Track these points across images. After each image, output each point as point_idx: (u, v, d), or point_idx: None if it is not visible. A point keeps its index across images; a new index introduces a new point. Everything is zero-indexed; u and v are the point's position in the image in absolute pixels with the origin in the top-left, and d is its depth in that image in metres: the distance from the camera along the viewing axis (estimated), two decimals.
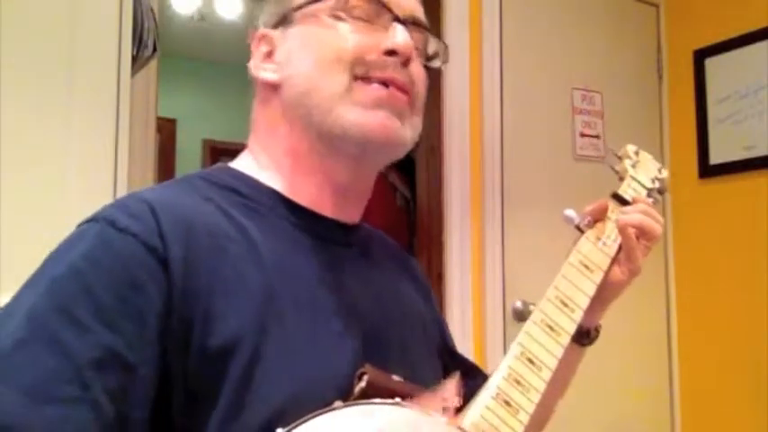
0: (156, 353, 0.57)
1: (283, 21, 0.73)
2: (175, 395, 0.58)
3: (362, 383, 0.60)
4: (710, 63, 2.41)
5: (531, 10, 2.28)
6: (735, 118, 2.33)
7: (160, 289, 0.58)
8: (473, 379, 0.87)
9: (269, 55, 0.74)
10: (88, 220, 0.62)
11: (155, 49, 1.48)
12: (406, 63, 0.71)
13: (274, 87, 0.72)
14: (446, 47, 0.78)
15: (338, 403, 0.58)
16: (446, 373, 0.82)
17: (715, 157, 2.39)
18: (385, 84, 0.69)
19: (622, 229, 0.82)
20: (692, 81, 2.46)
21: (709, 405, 2.35)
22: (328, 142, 0.70)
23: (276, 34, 0.74)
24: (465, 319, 2.06)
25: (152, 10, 1.49)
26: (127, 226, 0.59)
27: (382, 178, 2.58)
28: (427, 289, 0.89)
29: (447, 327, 0.91)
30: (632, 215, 0.83)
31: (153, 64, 1.62)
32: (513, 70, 2.21)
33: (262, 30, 0.75)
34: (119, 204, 0.63)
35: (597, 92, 2.38)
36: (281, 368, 0.60)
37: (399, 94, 0.70)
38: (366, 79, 0.69)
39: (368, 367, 0.61)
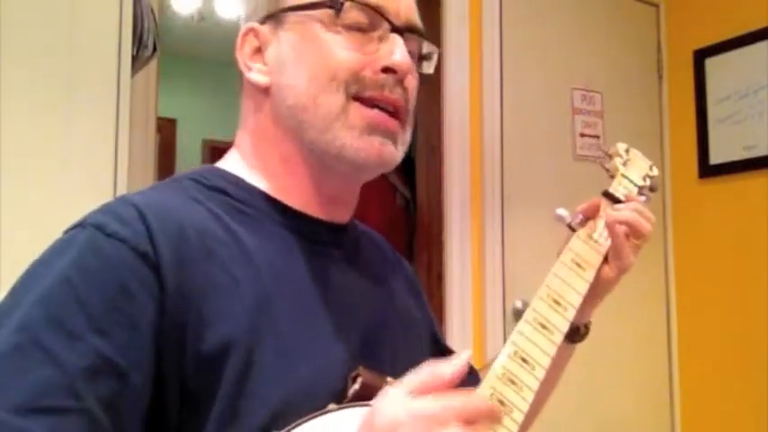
0: (149, 359, 0.56)
1: (273, 18, 0.71)
2: (170, 400, 0.57)
3: (356, 385, 0.60)
4: (710, 63, 2.41)
5: (531, 10, 2.28)
6: (735, 118, 2.33)
7: (152, 295, 0.57)
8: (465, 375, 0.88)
9: (257, 51, 0.72)
10: (75, 226, 0.61)
11: (155, 49, 1.48)
12: (401, 79, 0.70)
13: (264, 90, 0.71)
14: (439, 52, 0.77)
15: (332, 406, 0.58)
16: None
17: (715, 157, 2.39)
18: (383, 108, 0.68)
19: (611, 227, 0.82)
20: (692, 81, 2.46)
21: (710, 405, 2.35)
22: (320, 158, 0.69)
23: (265, 30, 0.72)
24: (465, 319, 2.06)
25: (152, 10, 1.49)
26: (116, 231, 0.58)
27: (382, 178, 2.57)
28: (418, 287, 0.89)
29: (438, 325, 0.91)
30: (622, 212, 0.83)
31: (153, 64, 1.62)
32: (513, 70, 2.21)
33: (250, 23, 0.73)
34: (107, 209, 0.62)
35: (597, 92, 2.38)
36: (276, 372, 0.60)
37: (392, 121, 0.69)
38: (360, 99, 0.68)
39: (361, 369, 0.61)
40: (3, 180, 1.19)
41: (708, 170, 2.40)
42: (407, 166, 2.50)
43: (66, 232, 0.62)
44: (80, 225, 0.61)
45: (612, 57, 2.44)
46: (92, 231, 0.59)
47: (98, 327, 0.54)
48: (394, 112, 0.70)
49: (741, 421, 2.23)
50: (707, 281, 2.39)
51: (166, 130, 4.10)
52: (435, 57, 0.76)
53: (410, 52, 0.71)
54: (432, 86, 2.16)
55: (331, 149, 0.67)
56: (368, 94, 0.68)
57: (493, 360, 0.73)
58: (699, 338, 2.41)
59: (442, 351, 0.87)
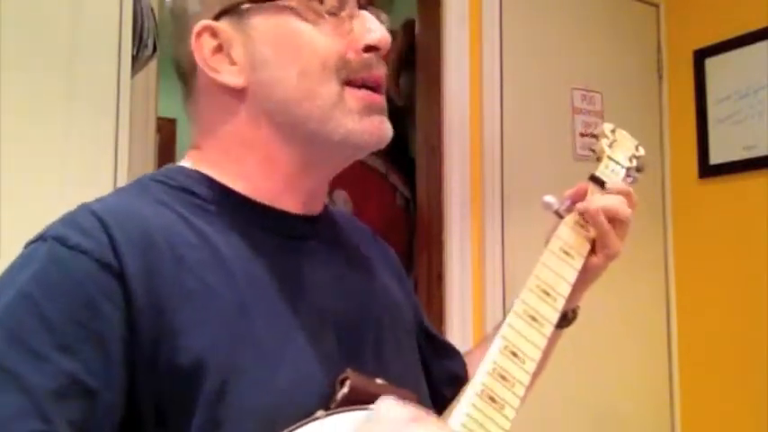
0: (120, 375, 0.54)
1: (232, 13, 0.67)
2: (146, 414, 0.55)
3: (345, 389, 0.58)
4: (710, 63, 2.41)
5: (531, 10, 2.28)
6: (735, 118, 2.33)
7: (118, 308, 0.55)
8: (450, 359, 0.88)
9: (218, 50, 0.67)
10: (36, 239, 0.59)
11: (155, 49, 1.48)
12: (383, 55, 0.69)
13: (238, 92, 0.67)
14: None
15: (320, 412, 0.56)
16: (422, 355, 0.81)
17: (715, 157, 2.38)
18: (368, 87, 0.68)
19: (593, 216, 0.80)
20: (692, 81, 2.46)
21: (709, 404, 2.35)
22: (319, 149, 0.68)
23: (224, 27, 0.67)
24: (465, 319, 2.06)
25: (152, 10, 1.49)
26: (78, 243, 0.56)
27: (382, 178, 2.57)
28: (399, 270, 0.87)
29: (422, 307, 0.89)
30: (603, 199, 0.82)
31: (153, 64, 1.62)
32: (513, 70, 2.21)
33: (204, 21, 0.67)
34: (68, 220, 0.59)
35: (597, 92, 2.38)
36: (257, 380, 0.58)
37: (380, 97, 0.69)
38: (351, 82, 0.67)
39: (350, 372, 0.60)
40: (3, 180, 1.19)
41: (708, 170, 2.40)
42: (407, 166, 2.50)
43: (26, 246, 0.60)
44: (41, 238, 0.58)
45: (612, 57, 2.44)
46: (52, 244, 0.57)
47: (63, 344, 0.52)
48: (377, 88, 0.69)
49: (741, 421, 2.23)
50: (707, 281, 2.39)
51: (166, 130, 4.09)
52: (387, 24, 0.74)
53: None
54: (432, 86, 2.16)
55: (334, 137, 0.66)
56: (357, 76, 0.67)
57: (481, 343, 0.72)
58: (699, 338, 2.40)
59: (429, 337, 0.86)
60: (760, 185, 2.26)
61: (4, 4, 1.23)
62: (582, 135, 2.32)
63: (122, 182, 1.32)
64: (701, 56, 2.44)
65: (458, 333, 2.02)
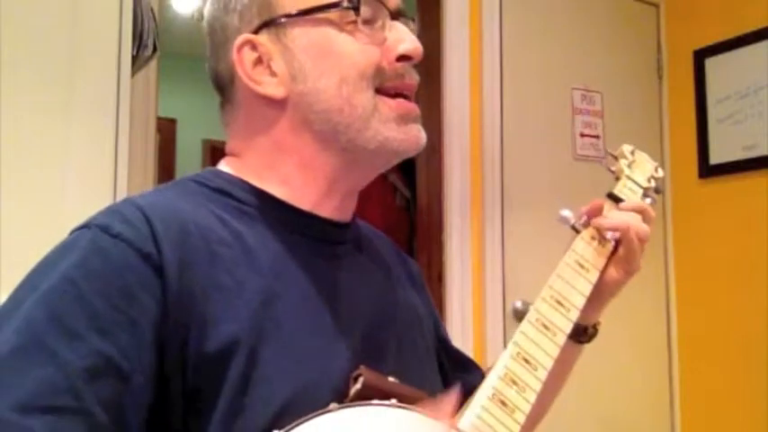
0: (151, 360, 0.56)
1: (270, 26, 0.69)
2: (173, 401, 0.58)
3: (358, 385, 0.60)
4: (710, 63, 2.41)
5: (531, 10, 2.28)
6: (735, 118, 2.33)
7: (154, 296, 0.57)
8: (468, 373, 0.88)
9: (257, 63, 0.70)
10: (81, 227, 0.62)
11: (155, 49, 1.48)
12: (415, 64, 0.71)
13: (279, 102, 0.70)
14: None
15: (333, 405, 0.58)
16: (441, 367, 0.82)
17: (715, 157, 2.39)
18: (402, 95, 0.70)
19: (625, 233, 0.81)
20: (692, 81, 2.46)
21: (709, 405, 2.35)
22: (356, 155, 0.70)
23: (263, 40, 0.69)
24: (465, 319, 2.06)
25: (152, 10, 1.50)
26: (120, 232, 0.59)
27: (382, 178, 2.58)
28: (421, 282, 0.89)
29: (441, 320, 0.91)
30: (619, 215, 0.83)
31: (153, 64, 1.62)
32: (513, 70, 2.21)
33: (244, 35, 0.70)
34: (112, 210, 0.63)
35: (597, 92, 2.38)
36: (279, 371, 0.60)
37: (414, 105, 0.71)
38: (384, 91, 0.69)
39: (363, 368, 0.61)
40: (3, 180, 1.20)
41: (708, 170, 2.40)
42: (407, 167, 2.50)
43: (71, 233, 0.62)
44: (85, 226, 0.61)
45: (612, 57, 2.44)
46: (96, 232, 0.60)
47: (100, 327, 0.55)
48: (410, 96, 0.71)
49: (741, 421, 2.23)
50: (707, 281, 2.39)
51: (166, 130, 4.10)
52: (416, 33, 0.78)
53: None
54: (432, 86, 2.16)
55: (371, 144, 0.68)
56: (390, 84, 0.69)
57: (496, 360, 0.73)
58: (699, 338, 2.41)
59: (447, 351, 0.88)
60: (760, 185, 2.26)
61: (4, 4, 1.23)
62: (582, 135, 2.33)
63: (122, 182, 1.32)
64: (701, 56, 2.44)
65: (458, 333, 2.03)
